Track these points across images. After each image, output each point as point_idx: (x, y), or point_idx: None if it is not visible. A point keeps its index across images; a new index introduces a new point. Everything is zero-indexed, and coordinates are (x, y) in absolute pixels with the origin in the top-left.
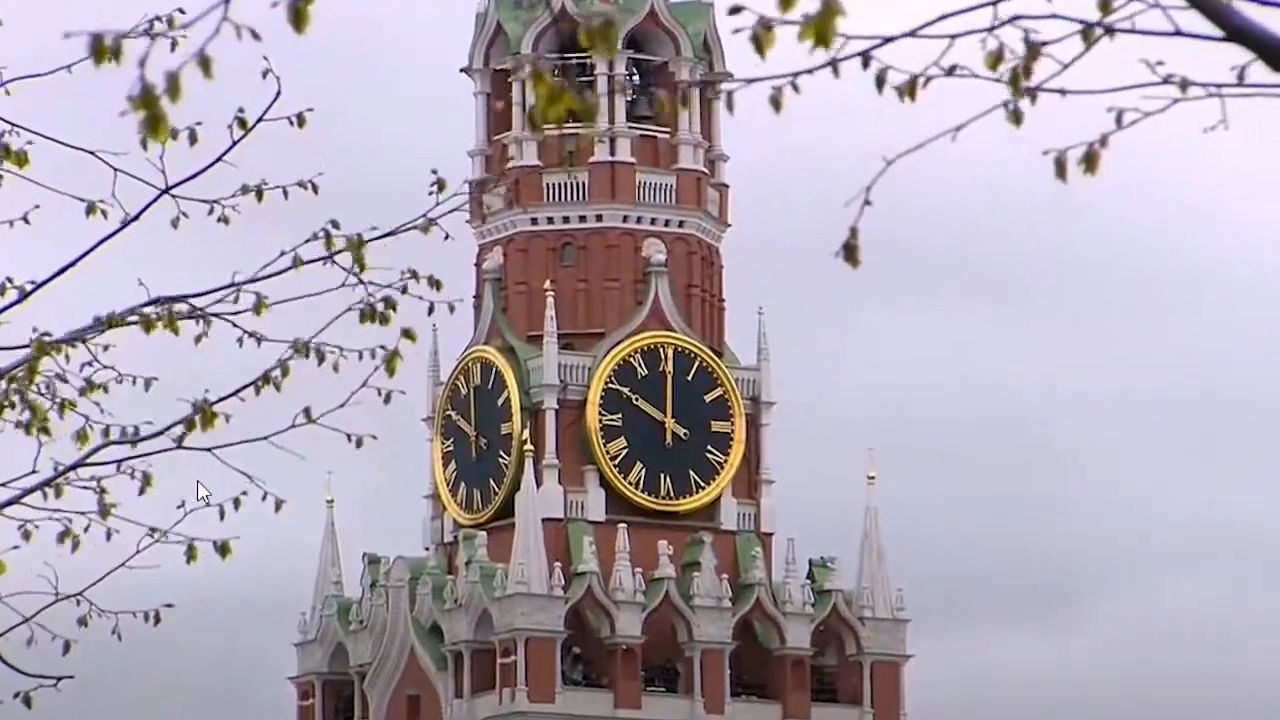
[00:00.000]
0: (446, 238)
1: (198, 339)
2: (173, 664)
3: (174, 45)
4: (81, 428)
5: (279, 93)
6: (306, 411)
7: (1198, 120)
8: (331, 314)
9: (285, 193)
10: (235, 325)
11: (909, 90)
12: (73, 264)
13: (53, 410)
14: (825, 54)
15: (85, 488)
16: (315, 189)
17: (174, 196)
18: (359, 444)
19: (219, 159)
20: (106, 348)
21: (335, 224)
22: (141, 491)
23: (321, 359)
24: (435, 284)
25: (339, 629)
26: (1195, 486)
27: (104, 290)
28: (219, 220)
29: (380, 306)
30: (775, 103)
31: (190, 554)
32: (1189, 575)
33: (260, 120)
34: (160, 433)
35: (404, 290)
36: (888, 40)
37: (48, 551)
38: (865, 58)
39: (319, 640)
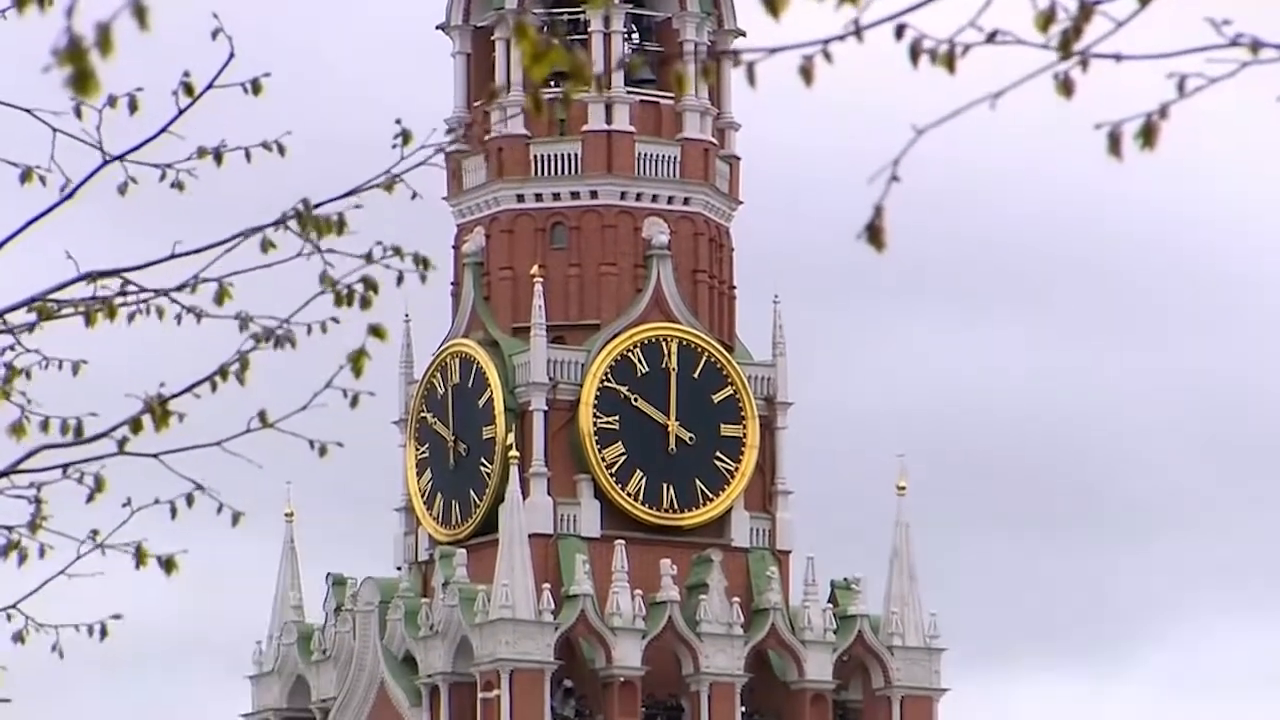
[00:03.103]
0: (414, 196)
1: (131, 316)
2: (114, 700)
3: None
4: (18, 420)
5: (231, 55)
6: (262, 415)
7: (1269, 87)
8: (291, 288)
9: (248, 155)
10: (174, 301)
11: (947, 61)
12: (1, 245)
13: None
14: (851, 14)
15: (20, 496)
16: (282, 150)
17: (123, 163)
18: (323, 452)
19: (164, 129)
20: (32, 328)
21: (308, 204)
22: (90, 498)
23: (271, 339)
24: (423, 262)
25: (299, 659)
26: (1262, 516)
27: (35, 265)
28: (172, 186)
29: (360, 288)
30: (806, 73)
31: (139, 558)
32: (1252, 612)
33: (210, 86)
34: (105, 434)
35: (369, 258)
36: (926, 1)
37: None
38: (899, 29)
39: (276, 672)
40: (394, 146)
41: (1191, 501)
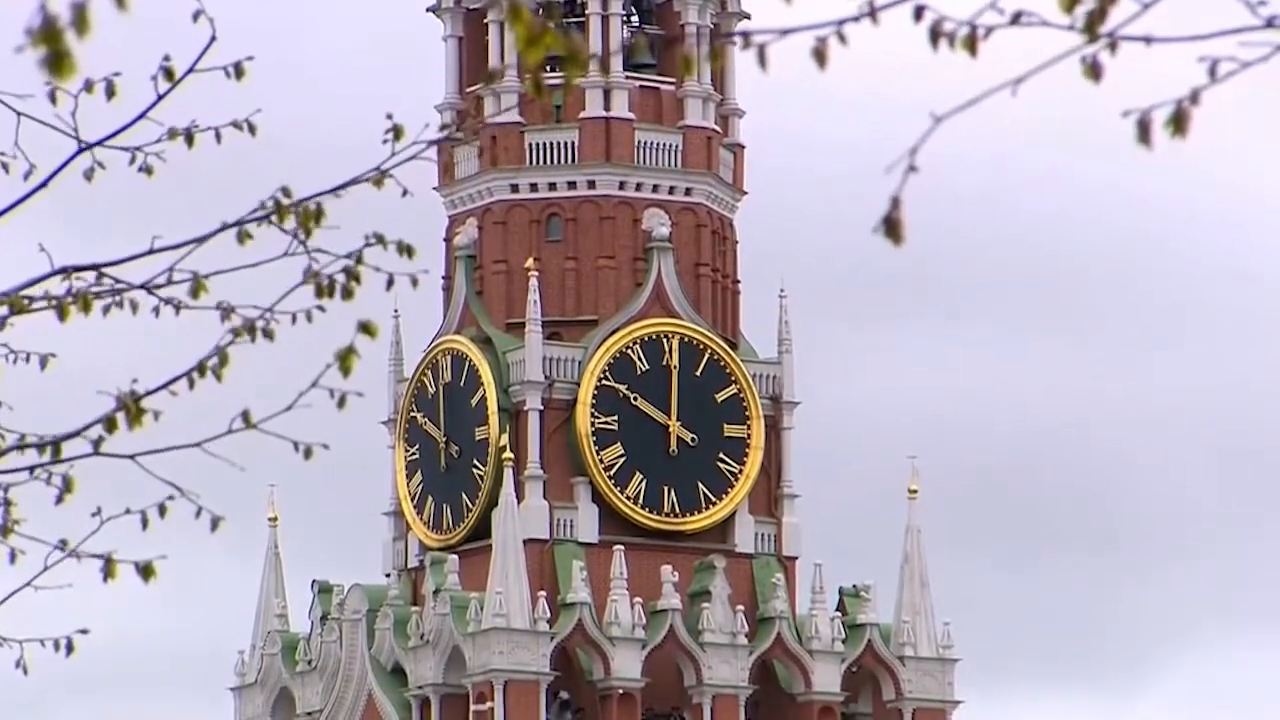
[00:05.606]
0: (405, 193)
1: (106, 309)
2: (88, 716)
3: None
4: None
5: (213, 38)
6: (244, 416)
7: None
8: (274, 283)
9: (218, 135)
10: (151, 293)
11: (968, 44)
12: None
13: None
14: None
15: None
16: (253, 129)
17: (92, 149)
18: (308, 454)
19: (143, 115)
20: (2, 323)
21: (287, 191)
22: (60, 500)
23: (250, 330)
24: (406, 250)
25: (284, 670)
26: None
27: (1, 256)
28: (140, 170)
29: (341, 278)
30: (819, 56)
31: (109, 569)
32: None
33: (191, 70)
34: (77, 433)
35: (359, 260)
36: None
37: None
38: (918, 9)
39: (260, 684)
40: (384, 142)
41: (1207, 513)
